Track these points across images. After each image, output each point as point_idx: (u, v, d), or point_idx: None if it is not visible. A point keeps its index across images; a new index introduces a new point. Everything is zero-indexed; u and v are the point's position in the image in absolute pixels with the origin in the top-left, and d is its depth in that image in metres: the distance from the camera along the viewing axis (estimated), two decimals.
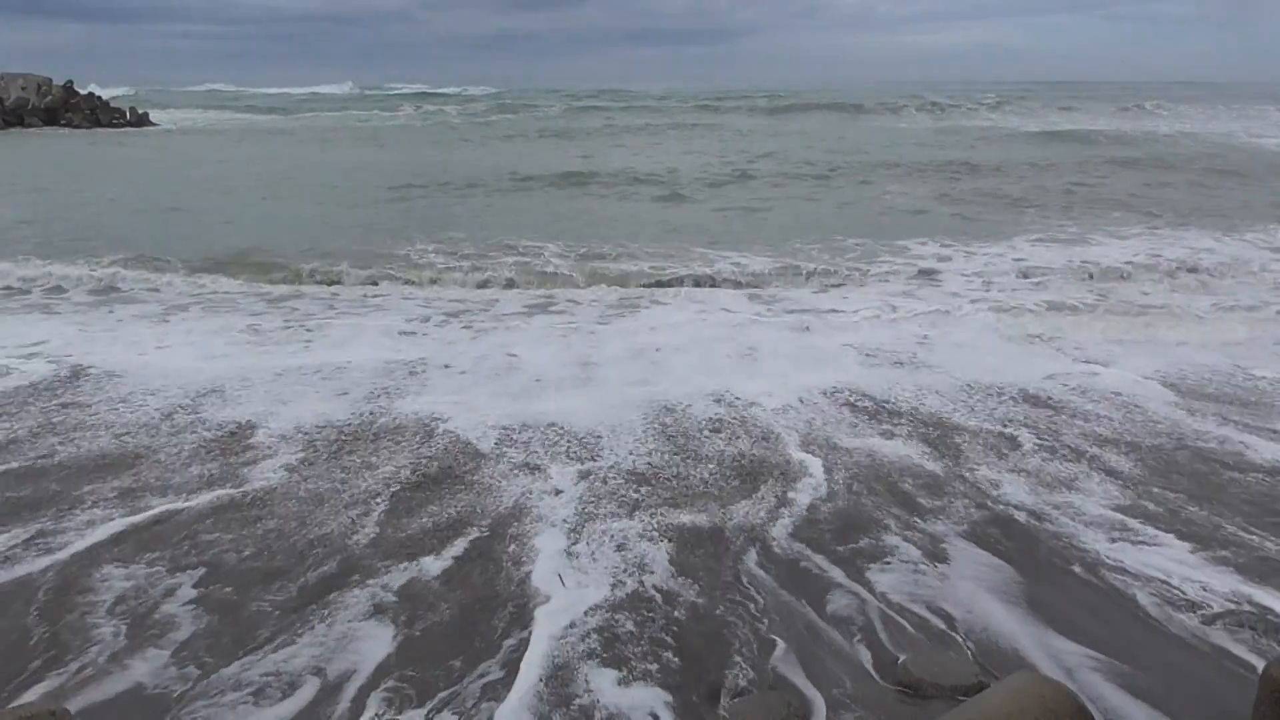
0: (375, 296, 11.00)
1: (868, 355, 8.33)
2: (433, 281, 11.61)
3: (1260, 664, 3.73)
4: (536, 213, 17.28)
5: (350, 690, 3.76)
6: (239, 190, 21.37)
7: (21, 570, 4.72)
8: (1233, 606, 4.35)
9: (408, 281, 11.61)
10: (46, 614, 4.34)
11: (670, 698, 3.65)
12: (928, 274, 12.00)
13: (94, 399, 7.27)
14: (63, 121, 41.54)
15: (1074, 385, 7.41)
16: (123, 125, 44.06)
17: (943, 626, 4.23)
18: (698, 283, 11.49)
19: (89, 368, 8.03)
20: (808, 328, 9.21)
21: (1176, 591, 4.43)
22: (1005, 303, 10.34)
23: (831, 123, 45.56)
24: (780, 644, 4.02)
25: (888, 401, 7.12)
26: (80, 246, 13.36)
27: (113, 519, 5.27)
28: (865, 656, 4.01)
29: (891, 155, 27.18)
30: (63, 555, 4.85)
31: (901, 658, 4.01)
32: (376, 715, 3.57)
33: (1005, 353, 8.39)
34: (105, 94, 48.05)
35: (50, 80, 43.38)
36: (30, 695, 3.75)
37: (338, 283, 11.56)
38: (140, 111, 46.61)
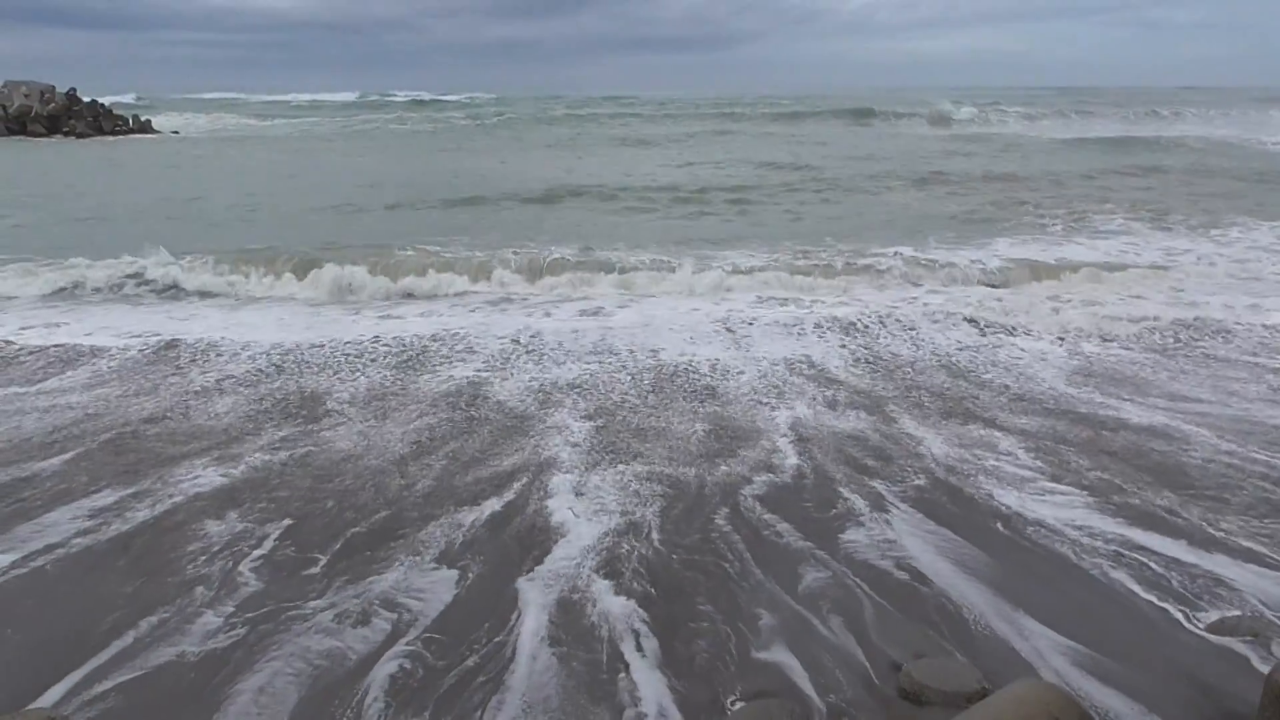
0: (419, 287, 11.88)
1: (824, 333, 9.59)
2: (471, 277, 12.18)
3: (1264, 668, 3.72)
4: (557, 222, 17.19)
5: (424, 598, 4.60)
6: (257, 195, 21.49)
7: (142, 513, 5.48)
8: (1235, 613, 4.34)
9: (442, 271, 12.26)
10: (152, 556, 4.99)
11: (648, 600, 4.59)
12: (906, 272, 12.52)
13: (191, 364, 8.55)
14: (65, 129, 41.62)
15: (985, 360, 8.63)
16: (125, 133, 44.17)
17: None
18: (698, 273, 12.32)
19: (181, 339, 9.30)
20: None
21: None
22: (957, 296, 11.21)
23: (846, 130, 45.46)
24: (735, 558, 5.03)
25: (828, 369, 8.39)
26: (125, 249, 13.42)
27: (212, 469, 6.14)
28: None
29: (912, 165, 26.72)
30: (171, 503, 5.62)
31: (904, 665, 3.99)
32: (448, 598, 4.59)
33: (933, 334, 9.58)
34: (112, 101, 48.19)
35: (53, 88, 43.51)
36: (137, 631, 4.28)
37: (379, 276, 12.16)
38: (143, 119, 46.78)
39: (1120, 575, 4.72)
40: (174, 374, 8.25)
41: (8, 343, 9.21)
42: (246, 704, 3.82)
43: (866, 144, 35.45)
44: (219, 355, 8.79)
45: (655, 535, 5.22)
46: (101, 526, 5.31)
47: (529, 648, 4.16)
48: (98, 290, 11.77)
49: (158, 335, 9.48)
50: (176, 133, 46.21)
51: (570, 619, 4.38)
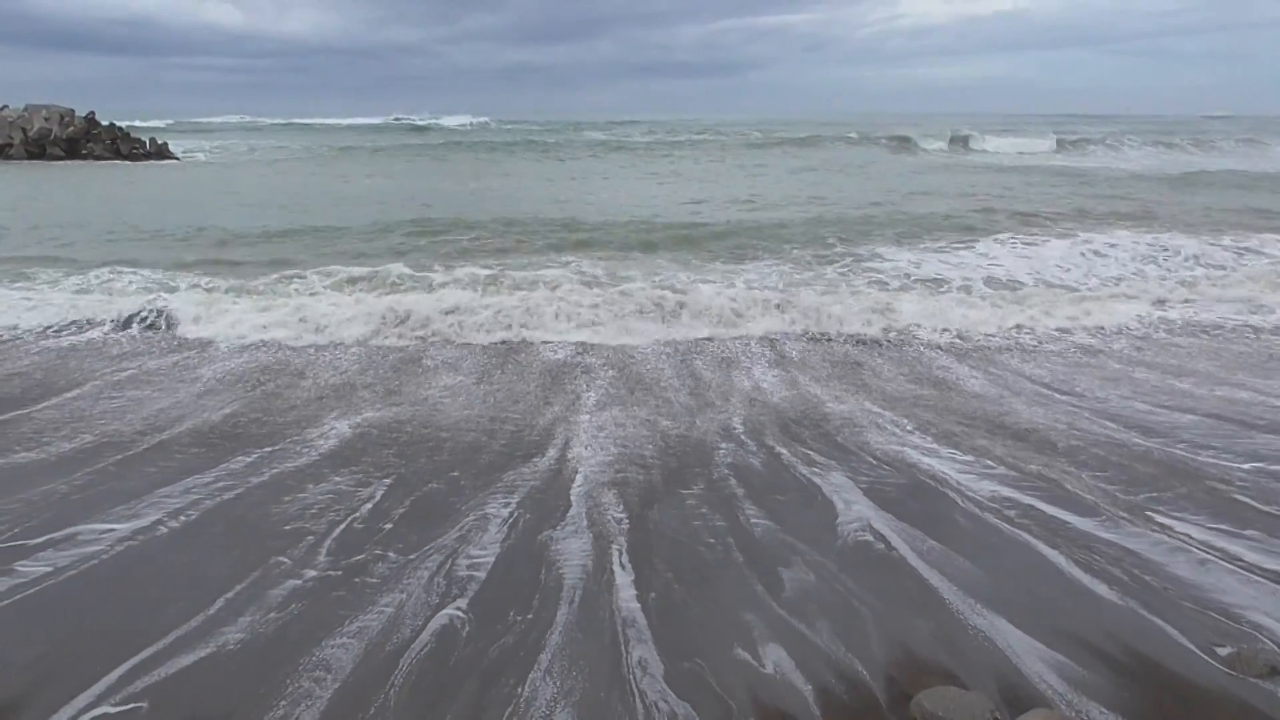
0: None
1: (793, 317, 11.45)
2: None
3: None
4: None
5: (495, 526, 5.77)
6: (303, 215, 21.98)
7: (286, 461, 6.81)
8: (1250, 642, 4.34)
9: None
10: (277, 504, 6.03)
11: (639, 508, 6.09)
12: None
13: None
14: (84, 153, 42.25)
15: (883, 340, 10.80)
16: (142, 157, 44.82)
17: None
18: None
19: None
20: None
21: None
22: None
23: (883, 158, 45.10)
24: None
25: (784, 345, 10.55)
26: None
27: (342, 421, 7.74)
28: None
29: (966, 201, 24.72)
30: (308, 456, 6.89)
31: (916, 695, 4.01)
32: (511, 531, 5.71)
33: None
34: (144, 125, 48.84)
35: (73, 112, 44.24)
36: (257, 571, 5.13)
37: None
38: (160, 142, 47.53)
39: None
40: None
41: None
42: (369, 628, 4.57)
43: (943, 179, 32.71)
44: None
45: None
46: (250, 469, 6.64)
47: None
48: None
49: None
50: (194, 156, 46.96)
51: (590, 501, 6.26)
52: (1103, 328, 11.19)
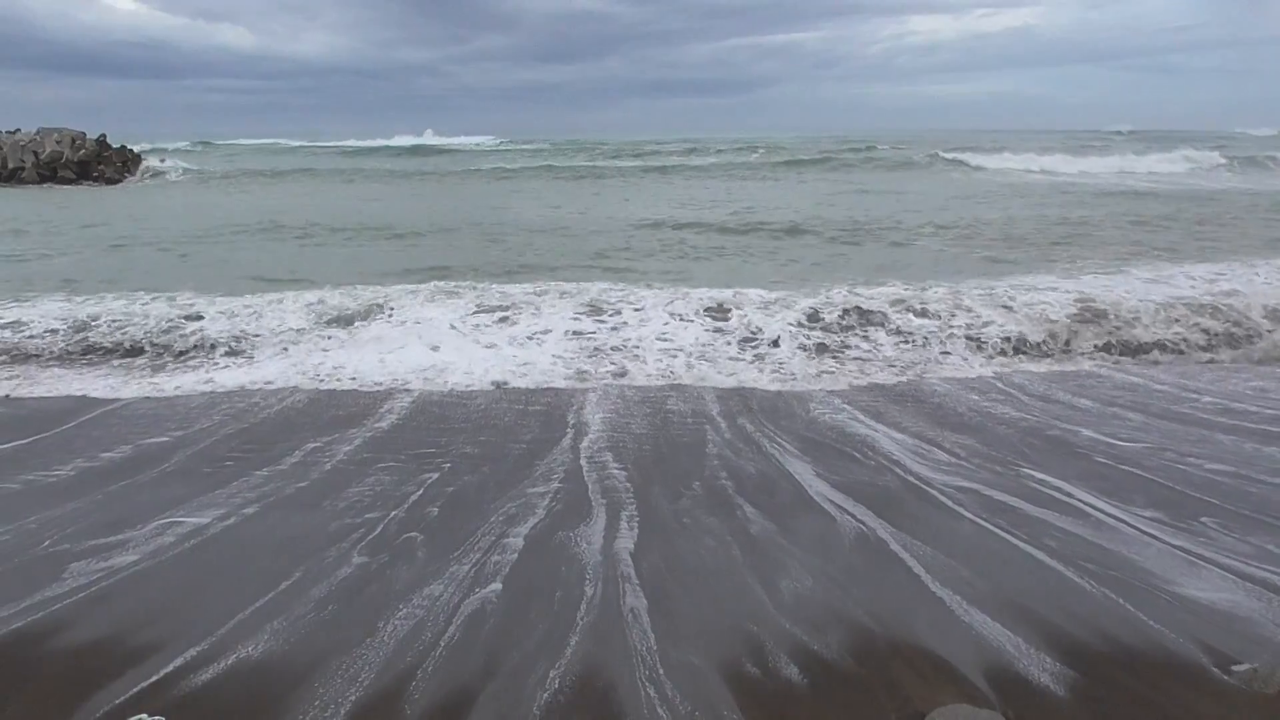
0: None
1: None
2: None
3: None
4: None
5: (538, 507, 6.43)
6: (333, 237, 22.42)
7: (340, 449, 7.69)
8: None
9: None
10: (328, 492, 6.72)
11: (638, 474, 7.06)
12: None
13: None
14: (95, 175, 42.84)
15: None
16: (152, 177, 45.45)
17: None
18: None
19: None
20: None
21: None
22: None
23: (933, 179, 41.98)
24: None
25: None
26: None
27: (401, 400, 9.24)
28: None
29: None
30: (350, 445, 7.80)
31: (930, 713, 4.01)
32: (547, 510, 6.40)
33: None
34: (166, 148, 49.41)
35: (84, 134, 44.97)
36: (306, 564, 5.52)
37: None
38: (168, 163, 48.31)
39: None
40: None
41: None
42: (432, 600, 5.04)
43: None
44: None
45: None
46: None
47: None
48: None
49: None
50: (196, 173, 47.71)
51: (592, 460, 7.44)
52: None
